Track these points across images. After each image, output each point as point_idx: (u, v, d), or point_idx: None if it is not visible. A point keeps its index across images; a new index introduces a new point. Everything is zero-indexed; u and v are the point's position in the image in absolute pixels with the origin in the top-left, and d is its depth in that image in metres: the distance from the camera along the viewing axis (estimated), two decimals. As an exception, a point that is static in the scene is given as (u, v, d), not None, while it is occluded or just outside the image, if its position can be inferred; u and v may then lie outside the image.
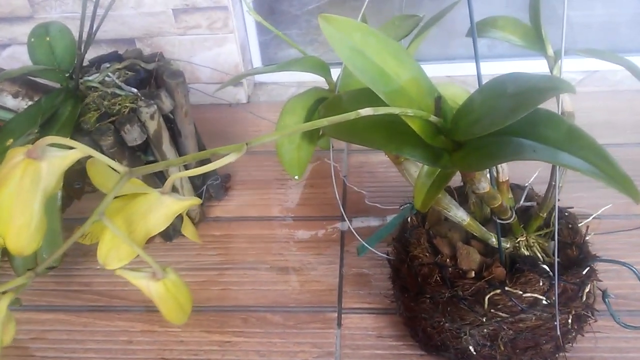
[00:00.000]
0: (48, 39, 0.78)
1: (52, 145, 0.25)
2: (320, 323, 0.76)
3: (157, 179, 0.80)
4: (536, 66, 1.09)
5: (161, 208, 0.28)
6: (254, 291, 0.82)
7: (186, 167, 0.81)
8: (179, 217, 0.89)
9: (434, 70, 1.17)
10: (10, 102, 0.75)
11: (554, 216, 0.54)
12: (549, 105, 0.38)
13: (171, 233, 0.89)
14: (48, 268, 0.76)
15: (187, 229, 0.31)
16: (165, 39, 1.11)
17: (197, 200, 0.29)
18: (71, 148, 0.25)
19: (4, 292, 0.29)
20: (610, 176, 0.34)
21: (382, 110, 0.37)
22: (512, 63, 1.15)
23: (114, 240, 0.27)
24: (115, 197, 0.28)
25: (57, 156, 0.24)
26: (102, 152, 0.73)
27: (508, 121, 0.36)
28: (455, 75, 1.17)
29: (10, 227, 0.25)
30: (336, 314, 0.77)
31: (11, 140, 0.69)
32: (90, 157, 0.28)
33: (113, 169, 0.28)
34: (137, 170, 0.26)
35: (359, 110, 0.35)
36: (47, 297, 0.84)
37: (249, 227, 0.92)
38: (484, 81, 0.43)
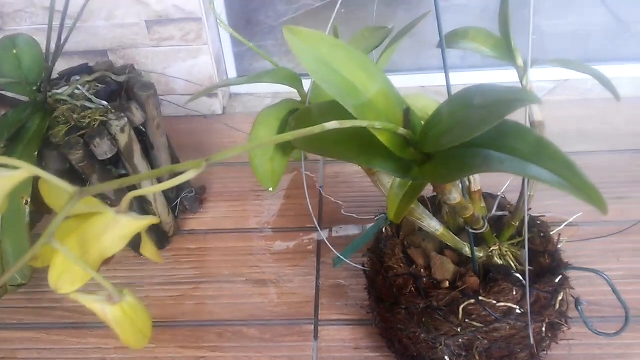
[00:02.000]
0: (15, 51, 0.76)
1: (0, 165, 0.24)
2: (297, 336, 0.76)
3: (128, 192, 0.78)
4: (508, 76, 1.10)
5: (117, 228, 0.27)
6: (229, 305, 0.80)
7: (159, 180, 0.80)
8: (152, 230, 0.87)
9: (407, 81, 1.18)
10: (-25, 116, 0.73)
11: (525, 225, 0.54)
12: (519, 114, 0.38)
13: (145, 247, 0.87)
14: (17, 285, 0.74)
15: (146, 248, 0.31)
16: (138, 50, 1.10)
17: (155, 220, 0.29)
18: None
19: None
20: (577, 187, 0.34)
21: (349, 124, 0.37)
22: (484, 73, 1.17)
23: (66, 263, 0.26)
24: (70, 217, 0.27)
25: (2, 177, 0.23)
26: (72, 166, 0.72)
27: (475, 133, 0.36)
28: (429, 86, 1.18)
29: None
30: (313, 326, 0.77)
31: (-24, 156, 0.67)
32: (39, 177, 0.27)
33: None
34: (89, 189, 0.25)
35: (325, 124, 0.35)
36: (17, 314, 0.82)
37: (224, 240, 0.91)
38: (456, 91, 0.43)
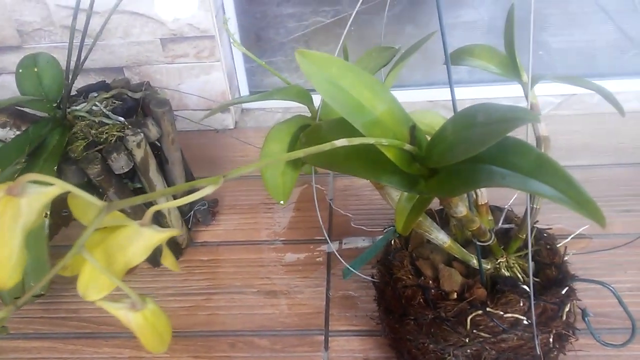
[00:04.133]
0: (36, 69, 0.79)
1: (33, 182, 0.26)
2: (307, 346, 0.77)
3: (145, 206, 0.80)
4: (514, 91, 1.12)
5: (140, 240, 0.29)
6: (241, 315, 0.82)
7: (174, 196, 0.82)
8: (166, 243, 0.89)
9: (416, 96, 1.20)
10: (-2, 132, 0.76)
11: (530, 238, 0.55)
12: (523, 130, 0.39)
13: (158, 259, 0.89)
14: (35, 296, 0.76)
15: (167, 260, 0.32)
16: (153, 67, 1.13)
17: (176, 232, 0.30)
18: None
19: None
20: (577, 202, 0.35)
21: (357, 141, 0.39)
22: (492, 88, 1.18)
23: (94, 272, 0.28)
24: (96, 230, 0.29)
25: (37, 192, 0.25)
26: (89, 180, 0.74)
27: (478, 149, 0.38)
28: (438, 100, 1.20)
29: (-7, 262, 0.26)
30: (323, 337, 0.78)
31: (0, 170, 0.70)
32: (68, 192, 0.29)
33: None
34: (116, 204, 0.27)
35: (334, 142, 0.37)
36: (34, 324, 0.84)
37: (236, 252, 0.93)
38: (465, 105, 0.45)
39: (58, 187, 0.25)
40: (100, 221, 0.26)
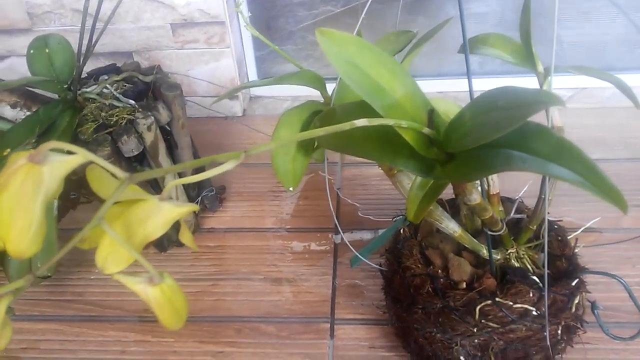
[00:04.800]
0: (47, 50, 0.78)
1: (54, 150, 0.26)
2: (313, 334, 0.77)
3: (152, 189, 0.80)
4: (526, 83, 1.10)
5: (159, 214, 0.29)
6: (247, 302, 0.82)
7: (181, 177, 0.82)
8: (173, 228, 0.89)
9: (426, 86, 1.17)
10: (8, 112, 0.76)
11: (544, 228, 0.55)
12: (539, 120, 0.39)
13: (165, 244, 0.89)
14: (42, 277, 0.76)
15: (185, 236, 0.32)
16: (162, 52, 1.13)
17: (195, 207, 0.30)
18: (72, 153, 0.26)
19: (1, 296, 0.29)
20: (598, 187, 0.35)
21: (376, 122, 0.38)
22: (502, 79, 1.17)
23: (113, 245, 0.27)
24: (114, 203, 0.29)
25: (59, 161, 0.25)
26: (99, 162, 0.74)
27: (498, 134, 0.37)
28: (447, 91, 1.19)
29: (12, 230, 0.25)
30: (329, 325, 0.78)
31: (8, 150, 0.69)
32: (90, 163, 0.29)
33: (113, 175, 0.28)
34: (137, 176, 0.26)
35: (354, 121, 0.36)
36: (39, 306, 0.84)
37: (243, 239, 0.93)
38: (475, 96, 0.44)
39: (80, 155, 0.25)
40: (121, 193, 0.26)
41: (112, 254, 0.28)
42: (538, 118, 0.38)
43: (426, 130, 0.41)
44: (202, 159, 0.27)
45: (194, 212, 0.92)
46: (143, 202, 0.29)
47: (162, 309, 0.29)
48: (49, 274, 0.75)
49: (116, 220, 0.29)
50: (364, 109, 0.43)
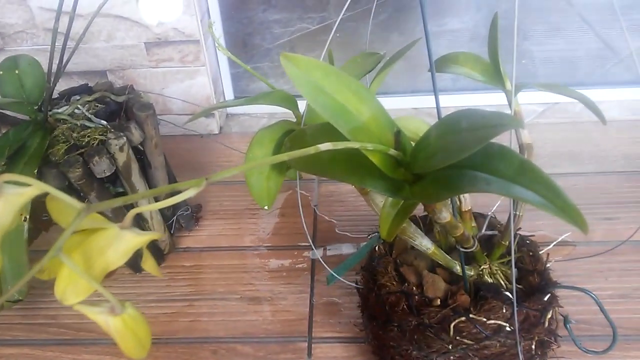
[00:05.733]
0: (17, 71, 0.78)
1: (10, 182, 0.26)
2: (290, 353, 0.76)
3: (126, 210, 0.79)
4: (497, 99, 1.13)
5: (120, 243, 0.28)
6: (224, 322, 0.81)
7: (155, 199, 0.81)
8: (147, 248, 0.88)
9: (400, 103, 1.20)
10: (-24, 134, 0.75)
11: (514, 245, 0.56)
12: (507, 137, 0.40)
13: (139, 264, 0.88)
14: (13, 301, 0.75)
15: (147, 263, 0.32)
16: (137, 71, 1.12)
17: (157, 235, 0.30)
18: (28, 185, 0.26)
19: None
20: (560, 208, 0.36)
21: (342, 145, 0.39)
22: (475, 96, 1.19)
23: (72, 275, 0.27)
24: (75, 232, 0.29)
25: (14, 193, 0.24)
26: (70, 184, 0.73)
27: (462, 155, 0.38)
28: (422, 107, 1.20)
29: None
30: (306, 344, 0.77)
31: (-24, 173, 0.68)
32: (47, 194, 0.28)
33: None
34: (95, 206, 0.26)
35: (319, 145, 0.36)
36: (12, 331, 0.83)
37: (219, 257, 0.92)
38: (448, 113, 0.45)
39: (36, 188, 0.24)
40: (79, 223, 0.26)
41: (71, 285, 0.27)
42: (505, 136, 0.38)
43: (392, 151, 0.42)
44: (163, 187, 0.27)
45: (169, 231, 0.92)
46: (103, 231, 0.29)
47: (124, 339, 0.29)
48: (19, 298, 0.73)
49: (76, 250, 0.29)
50: (333, 130, 0.43)
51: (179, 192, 0.29)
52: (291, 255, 0.91)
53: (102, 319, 0.28)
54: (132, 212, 0.29)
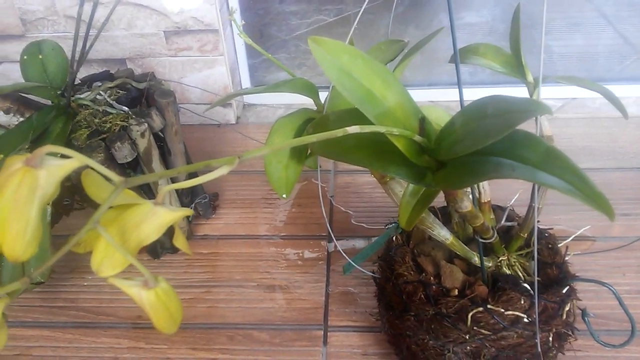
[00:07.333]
0: (41, 56, 0.79)
1: (50, 154, 0.26)
2: (306, 341, 0.77)
3: (145, 195, 0.80)
4: (516, 93, 1.12)
5: (154, 218, 0.29)
6: (240, 309, 0.82)
7: (176, 181, 0.82)
8: (166, 234, 0.89)
9: (417, 96, 1.19)
10: (1, 118, 0.76)
11: (534, 236, 0.56)
12: (529, 129, 0.40)
13: (158, 250, 0.89)
14: (35, 283, 0.76)
15: (179, 240, 0.32)
16: (156, 59, 1.13)
17: (189, 211, 0.30)
18: (67, 158, 0.26)
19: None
20: (586, 195, 0.36)
21: (368, 129, 0.39)
22: (493, 89, 1.19)
23: (108, 249, 0.28)
24: (109, 208, 0.29)
25: (55, 165, 0.25)
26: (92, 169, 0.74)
27: (488, 141, 0.38)
28: (438, 101, 1.20)
29: (8, 234, 0.25)
30: (322, 332, 0.78)
31: (1, 156, 0.69)
32: (85, 168, 0.29)
33: (108, 179, 0.29)
34: (132, 180, 0.27)
35: (347, 128, 0.37)
36: (32, 313, 0.84)
37: (236, 246, 0.93)
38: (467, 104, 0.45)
39: (76, 160, 0.25)
40: (117, 196, 0.26)
41: (107, 258, 0.28)
42: (528, 128, 0.38)
43: (417, 137, 0.42)
44: (196, 164, 0.27)
45: (187, 218, 0.93)
46: (138, 207, 0.29)
47: (156, 313, 0.29)
48: (41, 280, 0.74)
49: (111, 225, 0.29)
50: (356, 116, 0.44)
51: (209, 170, 0.29)
52: (307, 245, 0.92)
53: (136, 292, 0.29)
54: (166, 189, 0.29)
